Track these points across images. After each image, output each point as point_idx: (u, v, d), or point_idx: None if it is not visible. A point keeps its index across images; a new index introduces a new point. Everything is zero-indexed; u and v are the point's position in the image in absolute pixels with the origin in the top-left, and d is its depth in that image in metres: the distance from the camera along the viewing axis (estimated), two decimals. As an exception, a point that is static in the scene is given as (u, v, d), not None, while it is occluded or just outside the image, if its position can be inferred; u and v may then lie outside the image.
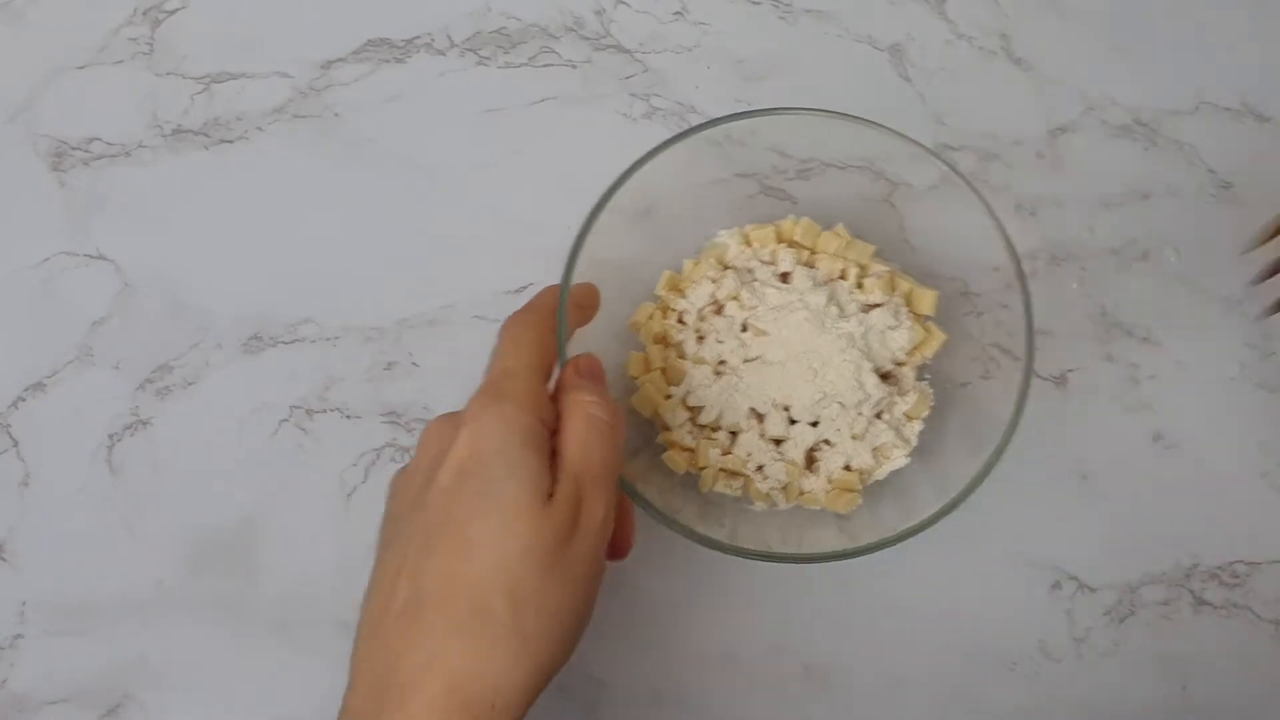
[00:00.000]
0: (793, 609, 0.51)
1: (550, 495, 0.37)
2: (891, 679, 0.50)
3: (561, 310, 0.44)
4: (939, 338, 0.50)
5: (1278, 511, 0.53)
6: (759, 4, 0.60)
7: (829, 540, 0.46)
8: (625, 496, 0.43)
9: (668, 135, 0.49)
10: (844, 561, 0.52)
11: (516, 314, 0.43)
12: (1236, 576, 0.52)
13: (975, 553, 0.52)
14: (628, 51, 0.59)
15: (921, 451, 0.49)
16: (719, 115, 0.50)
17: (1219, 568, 0.52)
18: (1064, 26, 0.59)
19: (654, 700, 0.50)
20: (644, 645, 0.51)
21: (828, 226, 0.52)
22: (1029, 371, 0.45)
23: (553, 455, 0.38)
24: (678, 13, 0.59)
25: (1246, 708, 0.50)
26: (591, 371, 0.42)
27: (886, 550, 0.51)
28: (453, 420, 0.39)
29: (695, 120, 0.50)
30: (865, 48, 0.59)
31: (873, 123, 0.47)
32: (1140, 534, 0.52)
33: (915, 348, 0.50)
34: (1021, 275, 0.45)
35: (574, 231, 0.45)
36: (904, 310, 0.50)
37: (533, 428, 0.38)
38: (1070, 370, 0.53)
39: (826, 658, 0.51)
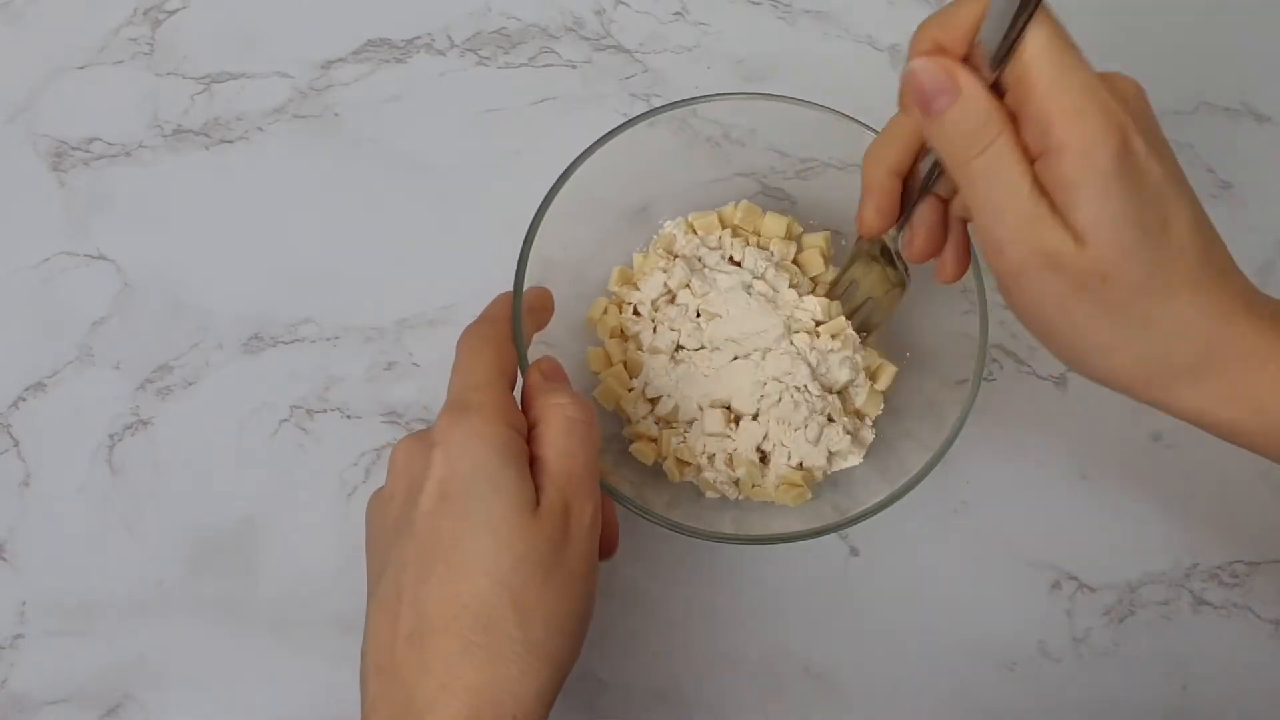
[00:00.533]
0: (793, 609, 0.51)
1: (536, 503, 0.37)
2: (891, 679, 0.50)
3: (516, 315, 0.43)
4: (889, 370, 0.50)
5: (1278, 511, 0.53)
6: (759, 4, 0.60)
7: (787, 524, 0.46)
8: (606, 496, 0.43)
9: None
10: (844, 562, 0.52)
11: (471, 327, 0.43)
12: (1236, 576, 0.52)
13: (975, 553, 0.52)
14: (628, 52, 0.59)
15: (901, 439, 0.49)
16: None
17: (1219, 567, 0.52)
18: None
19: (654, 700, 0.50)
20: (644, 645, 0.51)
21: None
22: (983, 353, 0.46)
23: (530, 461, 0.38)
24: (678, 13, 0.59)
25: (1246, 708, 0.50)
26: (555, 373, 0.42)
27: (886, 550, 0.52)
28: (423, 440, 0.39)
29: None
30: (865, 48, 0.59)
31: (838, 112, 0.47)
32: (1140, 534, 0.52)
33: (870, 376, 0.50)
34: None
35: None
36: (854, 349, 0.49)
37: (507, 438, 0.38)
38: (1071, 370, 0.53)
39: (826, 658, 0.51)
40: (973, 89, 0.34)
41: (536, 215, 0.45)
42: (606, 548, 0.43)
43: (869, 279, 0.47)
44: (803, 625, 0.51)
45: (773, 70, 0.58)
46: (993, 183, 0.34)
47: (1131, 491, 0.53)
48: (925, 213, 0.41)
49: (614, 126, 0.47)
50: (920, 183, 0.40)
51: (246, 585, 0.51)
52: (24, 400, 0.54)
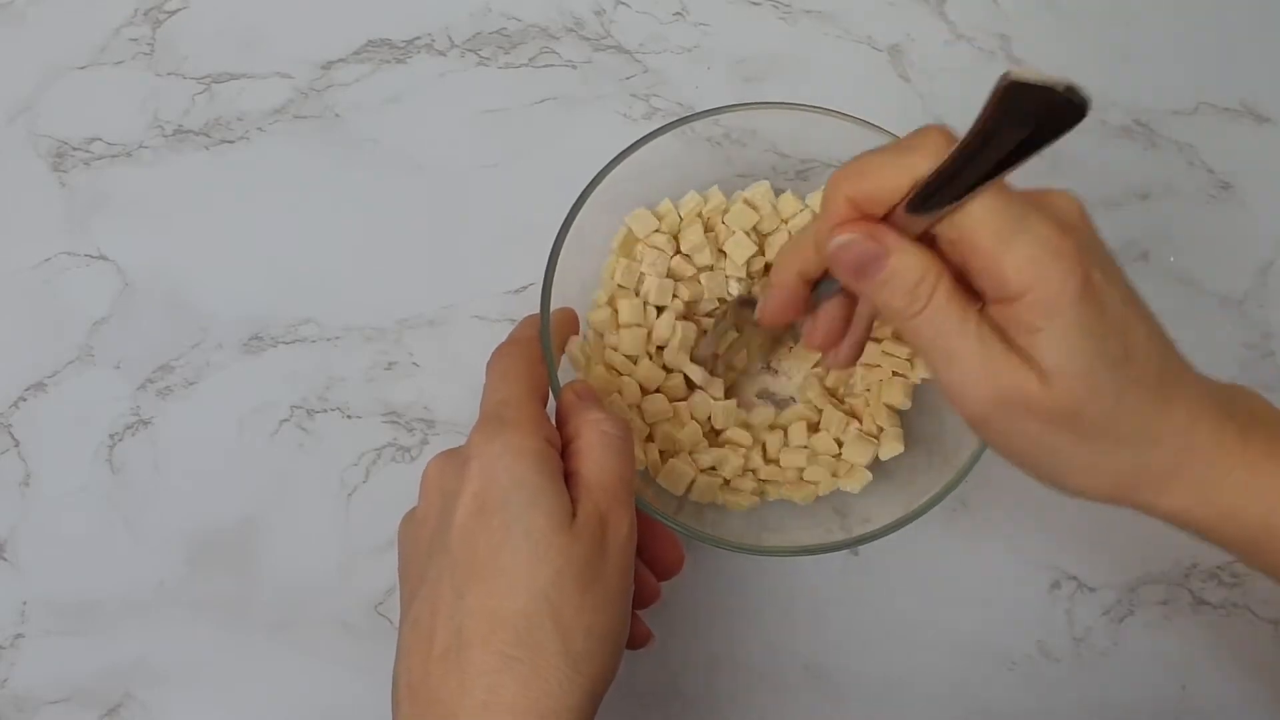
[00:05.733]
0: (793, 609, 0.51)
1: (573, 517, 0.37)
2: (891, 679, 0.51)
3: (545, 334, 0.43)
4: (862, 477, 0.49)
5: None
6: (759, 4, 0.60)
7: (798, 537, 0.47)
8: (652, 518, 0.43)
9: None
10: (844, 562, 0.52)
11: (500, 347, 0.43)
12: (1235, 576, 0.52)
13: (975, 553, 0.52)
14: (628, 52, 0.59)
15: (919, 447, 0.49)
16: (719, 118, 0.50)
17: (1218, 567, 0.52)
18: (1064, 27, 0.59)
19: (654, 700, 0.50)
20: (644, 645, 0.51)
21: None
22: None
23: (566, 476, 0.38)
24: (678, 13, 0.59)
25: (1246, 708, 0.50)
26: (588, 394, 0.42)
27: (886, 550, 0.52)
28: (457, 456, 0.38)
29: (697, 123, 0.50)
30: (865, 48, 0.59)
31: (858, 119, 0.47)
32: (1140, 534, 0.52)
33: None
34: None
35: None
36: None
37: (543, 451, 0.37)
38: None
39: (826, 658, 0.51)
40: (902, 252, 0.33)
41: (560, 234, 0.45)
42: (672, 565, 0.44)
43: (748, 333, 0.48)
44: (803, 625, 0.51)
45: (773, 70, 0.58)
46: (938, 336, 0.33)
47: (1131, 491, 0.52)
48: (831, 308, 0.39)
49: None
50: (827, 286, 0.39)
51: (246, 585, 0.51)
52: (24, 400, 0.54)
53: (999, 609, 0.51)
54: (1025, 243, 0.31)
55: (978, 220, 0.31)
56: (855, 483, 0.48)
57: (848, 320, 0.40)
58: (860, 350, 0.41)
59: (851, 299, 0.39)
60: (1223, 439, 0.35)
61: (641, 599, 0.43)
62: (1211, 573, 0.52)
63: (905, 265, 0.33)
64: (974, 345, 0.33)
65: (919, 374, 0.49)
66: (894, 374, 0.49)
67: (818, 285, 0.38)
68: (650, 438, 0.49)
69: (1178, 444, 0.34)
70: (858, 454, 0.48)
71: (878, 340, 0.49)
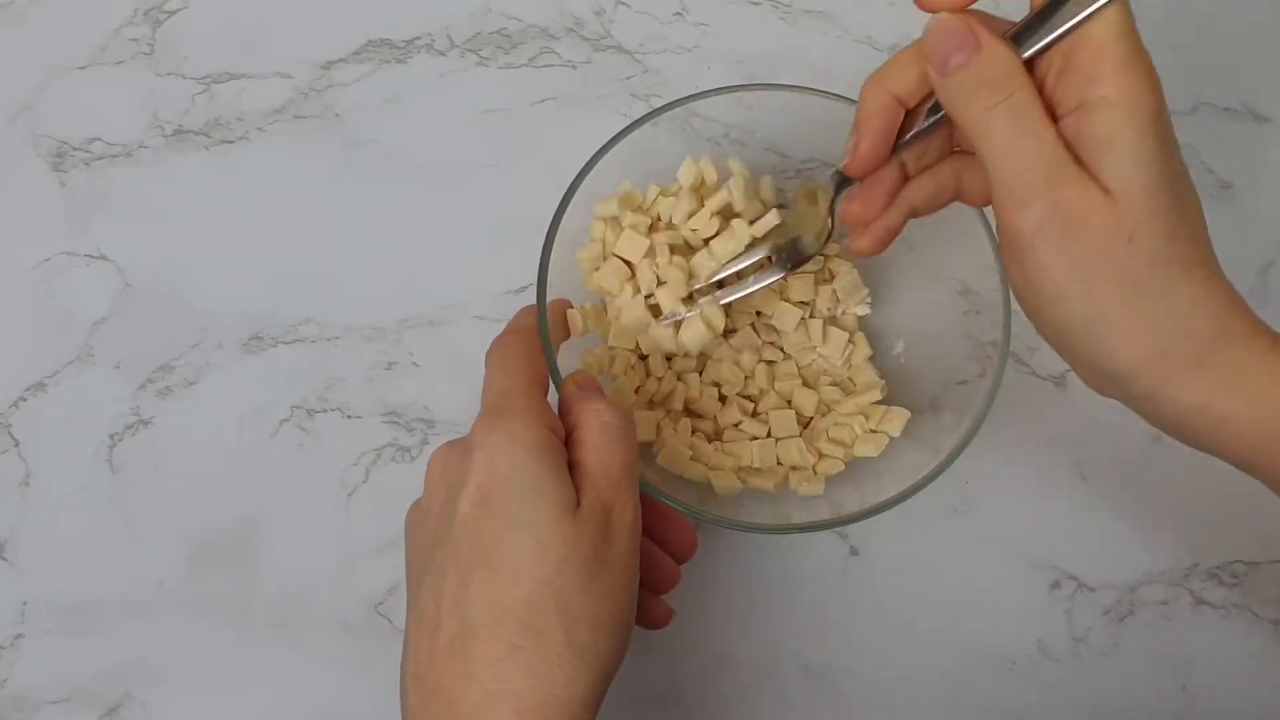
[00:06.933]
0: (793, 609, 0.51)
1: (577, 505, 0.37)
2: (891, 679, 0.51)
3: (542, 323, 0.44)
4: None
5: (1277, 511, 0.52)
6: (759, 4, 0.60)
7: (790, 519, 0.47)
8: (661, 503, 0.44)
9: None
10: (844, 562, 0.52)
11: (498, 338, 0.43)
12: (1236, 576, 0.52)
13: (975, 553, 0.52)
14: (628, 52, 0.59)
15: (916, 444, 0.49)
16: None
17: (1218, 567, 0.52)
18: (1064, 27, 0.59)
19: (654, 701, 0.50)
20: (644, 645, 0.51)
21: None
22: (1002, 364, 0.46)
23: (569, 466, 0.38)
24: (678, 13, 0.59)
25: (1246, 707, 0.50)
26: (590, 384, 0.42)
27: (886, 550, 0.52)
28: (460, 446, 0.39)
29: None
30: (865, 48, 0.59)
31: (842, 97, 0.47)
32: (1140, 534, 0.52)
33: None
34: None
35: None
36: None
37: (546, 440, 0.38)
38: (1071, 370, 0.53)
39: (826, 658, 0.51)
40: (995, 43, 0.34)
41: (552, 225, 0.45)
42: (689, 548, 0.44)
43: (804, 217, 0.45)
44: (803, 625, 0.51)
45: (773, 71, 0.58)
46: (1015, 131, 0.34)
47: (1131, 491, 0.53)
48: (884, 175, 0.40)
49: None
50: (909, 133, 0.38)
51: (247, 585, 0.51)
52: (24, 400, 0.54)
53: (999, 609, 0.51)
54: (1129, 46, 0.33)
55: (1101, 20, 0.33)
56: (872, 448, 0.48)
57: (893, 196, 0.40)
58: (890, 238, 0.41)
59: (904, 176, 0.40)
60: (1257, 328, 0.35)
61: (662, 584, 0.44)
62: (1211, 573, 0.52)
63: (995, 56, 0.34)
64: (1048, 147, 0.33)
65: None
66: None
67: (902, 131, 0.38)
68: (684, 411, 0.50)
69: (1220, 316, 0.34)
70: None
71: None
